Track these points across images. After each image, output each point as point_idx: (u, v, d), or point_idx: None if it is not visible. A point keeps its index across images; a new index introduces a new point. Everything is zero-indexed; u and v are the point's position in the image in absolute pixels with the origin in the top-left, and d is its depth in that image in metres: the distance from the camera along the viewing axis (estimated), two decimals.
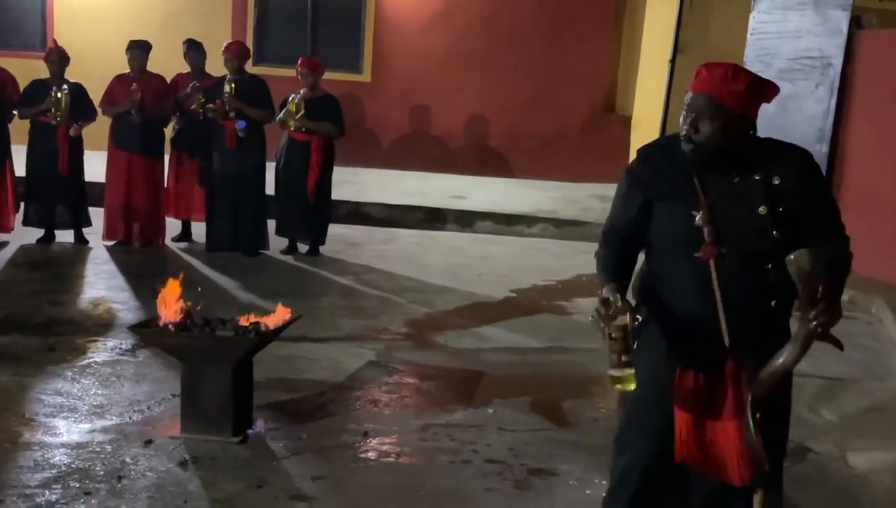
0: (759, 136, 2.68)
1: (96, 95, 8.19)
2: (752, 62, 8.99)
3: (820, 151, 8.17)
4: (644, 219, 2.73)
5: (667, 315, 2.73)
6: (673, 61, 11.15)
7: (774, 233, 2.58)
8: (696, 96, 2.60)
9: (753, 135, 2.65)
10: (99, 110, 8.21)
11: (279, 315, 4.33)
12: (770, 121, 8.71)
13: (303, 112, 8.03)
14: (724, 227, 2.60)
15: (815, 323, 2.46)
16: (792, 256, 2.46)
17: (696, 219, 2.61)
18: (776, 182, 2.58)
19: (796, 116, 8.44)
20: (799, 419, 4.56)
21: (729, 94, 2.55)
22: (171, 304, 4.18)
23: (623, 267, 2.78)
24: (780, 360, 2.56)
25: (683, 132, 2.61)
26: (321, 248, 8.33)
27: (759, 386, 2.59)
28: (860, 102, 8.02)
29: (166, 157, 8.41)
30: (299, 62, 8.26)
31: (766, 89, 2.62)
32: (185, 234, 8.56)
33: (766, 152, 2.64)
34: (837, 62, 8.12)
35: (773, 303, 2.66)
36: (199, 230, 8.38)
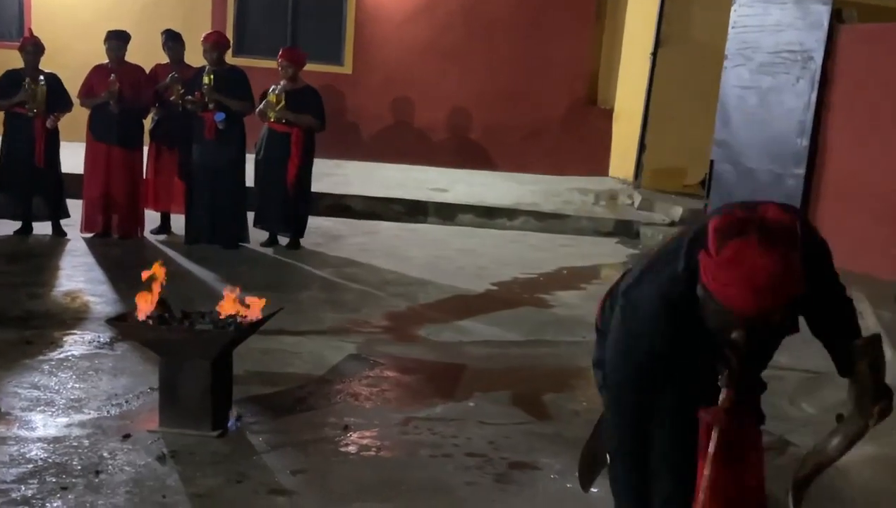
0: None
1: (75, 86, 8.10)
2: (734, 55, 9.02)
3: (800, 145, 8.20)
4: None
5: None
6: (655, 54, 11.18)
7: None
8: (755, 319, 2.07)
9: None
10: (76, 101, 8.13)
11: (254, 307, 4.28)
12: (751, 116, 8.80)
13: (283, 104, 7.98)
14: (747, 370, 2.29)
15: (874, 422, 2.29)
16: (862, 343, 2.24)
17: (719, 381, 2.28)
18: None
19: (777, 110, 8.47)
20: (779, 412, 4.59)
21: (795, 295, 2.10)
22: (149, 296, 4.14)
23: None
24: (828, 453, 2.41)
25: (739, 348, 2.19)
26: (302, 241, 8.29)
27: (802, 478, 2.46)
28: (841, 96, 8.04)
29: (145, 149, 8.35)
30: (280, 53, 8.22)
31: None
32: (164, 227, 8.50)
33: None
34: (818, 56, 8.14)
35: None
36: (178, 222, 8.32)
